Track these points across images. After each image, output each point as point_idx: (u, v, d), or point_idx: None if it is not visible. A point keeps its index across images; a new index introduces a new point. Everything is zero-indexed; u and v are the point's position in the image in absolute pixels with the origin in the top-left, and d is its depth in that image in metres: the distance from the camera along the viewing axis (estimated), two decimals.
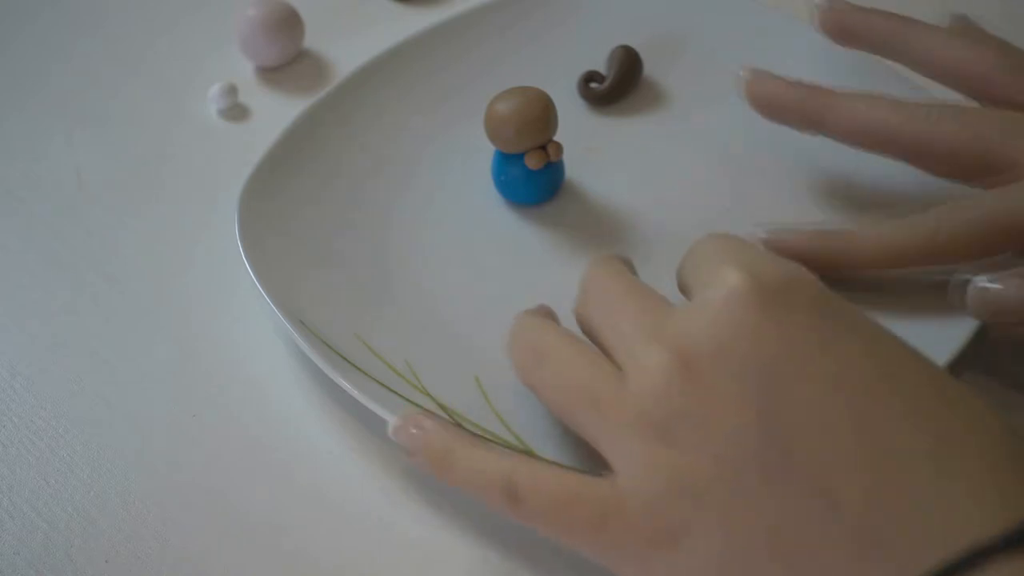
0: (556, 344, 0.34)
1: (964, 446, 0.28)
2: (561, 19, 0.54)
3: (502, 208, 0.47)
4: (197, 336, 0.44)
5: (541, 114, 0.45)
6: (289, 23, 0.55)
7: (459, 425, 0.38)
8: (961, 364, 0.39)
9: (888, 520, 0.27)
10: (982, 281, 0.38)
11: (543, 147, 0.45)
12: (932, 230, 0.39)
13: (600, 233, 0.46)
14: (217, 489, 0.39)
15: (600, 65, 0.52)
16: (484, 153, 0.46)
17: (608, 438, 0.31)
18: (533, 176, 0.46)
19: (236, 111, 0.54)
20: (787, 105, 0.44)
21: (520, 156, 0.45)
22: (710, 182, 0.47)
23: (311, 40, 0.57)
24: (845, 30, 0.45)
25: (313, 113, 0.48)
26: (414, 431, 0.34)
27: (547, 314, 0.38)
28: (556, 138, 0.46)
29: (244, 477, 0.39)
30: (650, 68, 0.52)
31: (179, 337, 0.44)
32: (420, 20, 0.55)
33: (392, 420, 0.35)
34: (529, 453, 0.37)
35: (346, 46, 0.56)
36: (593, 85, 0.51)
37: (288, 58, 0.56)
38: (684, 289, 0.35)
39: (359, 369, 0.39)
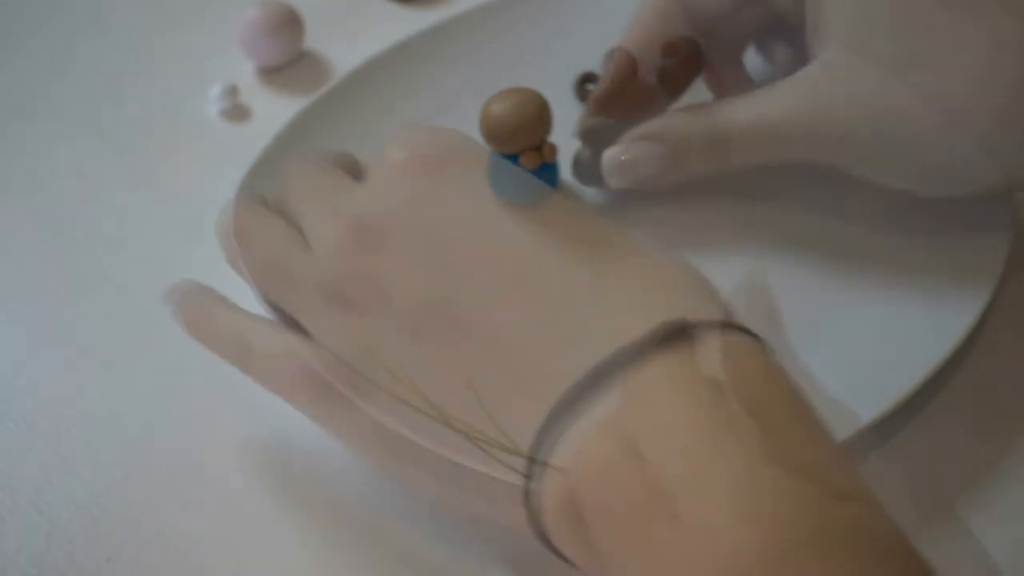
0: (255, 226, 0.37)
1: (620, 278, 0.32)
2: (558, 20, 0.54)
3: None
4: None
5: (536, 115, 0.45)
6: (289, 23, 0.55)
7: (448, 424, 0.38)
8: (960, 359, 0.39)
9: (550, 341, 0.31)
10: (613, 154, 0.41)
11: (538, 148, 0.46)
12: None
13: None
14: (218, 488, 0.39)
15: (597, 66, 0.52)
16: None
17: (302, 306, 0.34)
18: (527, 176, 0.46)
19: (237, 111, 0.54)
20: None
21: (515, 157, 0.45)
22: (704, 183, 0.47)
23: (311, 40, 0.57)
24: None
25: (307, 114, 0.49)
26: (175, 295, 0.39)
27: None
28: (551, 139, 0.46)
29: (244, 476, 0.40)
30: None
31: (179, 337, 0.44)
32: (420, 20, 0.55)
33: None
34: (518, 452, 0.37)
35: (346, 46, 0.57)
36: (589, 86, 0.51)
37: (288, 58, 0.56)
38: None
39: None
